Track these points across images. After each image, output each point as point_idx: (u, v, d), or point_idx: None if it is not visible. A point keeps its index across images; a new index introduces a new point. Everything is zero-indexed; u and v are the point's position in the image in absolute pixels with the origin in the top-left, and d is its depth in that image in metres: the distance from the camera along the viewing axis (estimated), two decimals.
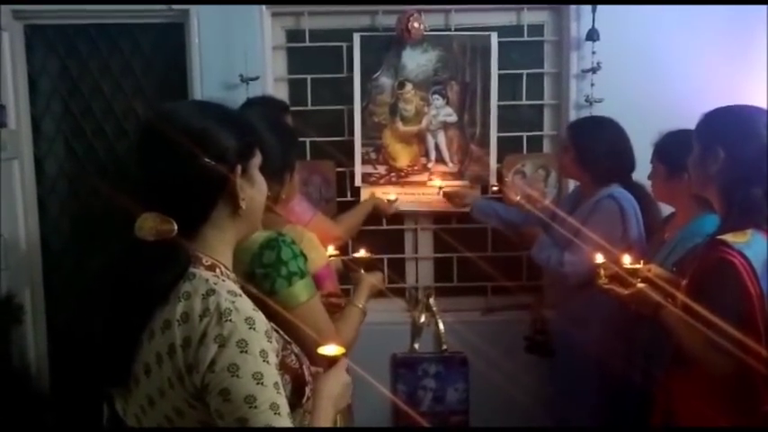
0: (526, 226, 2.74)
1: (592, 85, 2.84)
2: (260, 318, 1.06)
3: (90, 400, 1.14)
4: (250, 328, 1.03)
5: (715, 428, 1.66)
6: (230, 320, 1.02)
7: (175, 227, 1.08)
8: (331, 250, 2.08)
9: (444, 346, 2.99)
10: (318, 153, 3.01)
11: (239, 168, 1.14)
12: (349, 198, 2.97)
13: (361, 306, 1.78)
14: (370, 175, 2.95)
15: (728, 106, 1.76)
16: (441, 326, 2.98)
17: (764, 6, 2.74)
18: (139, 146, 1.14)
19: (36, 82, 3.02)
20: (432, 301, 3.01)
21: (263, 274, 1.47)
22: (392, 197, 2.89)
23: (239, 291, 1.10)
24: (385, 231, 3.06)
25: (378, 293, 1.98)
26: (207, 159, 1.10)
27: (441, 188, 2.88)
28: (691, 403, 1.69)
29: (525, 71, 3.00)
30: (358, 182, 2.95)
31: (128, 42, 3.02)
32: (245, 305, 1.06)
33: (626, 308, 1.98)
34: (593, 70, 2.82)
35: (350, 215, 2.75)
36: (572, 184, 2.92)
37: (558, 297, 2.68)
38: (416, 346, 3.00)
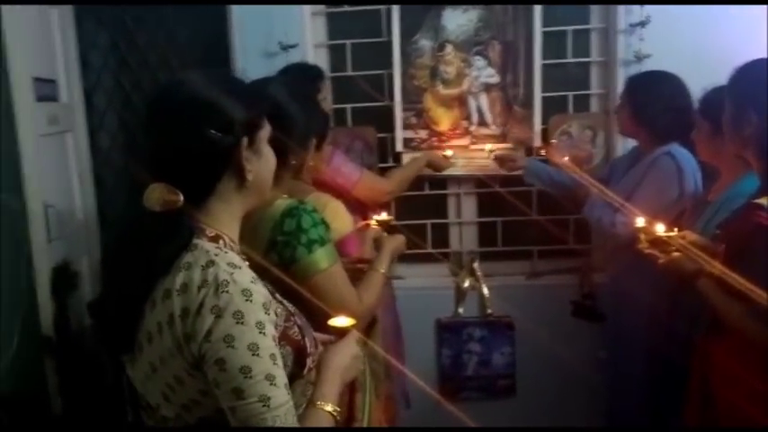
0: (580, 188, 2.67)
1: (641, 39, 2.71)
2: (258, 290, 1.07)
3: None
4: (246, 300, 1.03)
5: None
6: (227, 292, 1.03)
7: (181, 198, 1.08)
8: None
9: (489, 311, 2.97)
10: (359, 119, 3.00)
11: (245, 140, 1.14)
12: (390, 164, 2.96)
13: (382, 270, 1.74)
14: (411, 140, 2.93)
15: (760, 60, 1.65)
16: (485, 290, 2.96)
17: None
18: (148, 116, 1.15)
19: (86, 56, 3.11)
20: (476, 265, 2.99)
21: (284, 241, 1.48)
22: (448, 153, 2.83)
23: (240, 263, 1.10)
24: (428, 196, 3.05)
25: (404, 257, 1.94)
26: (212, 131, 1.10)
27: (491, 151, 2.82)
28: (727, 370, 1.64)
29: (570, 27, 2.89)
30: (399, 147, 2.93)
31: (172, 14, 3.07)
32: (243, 277, 1.06)
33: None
34: (642, 24, 2.69)
35: (401, 170, 2.72)
36: (620, 145, 2.83)
37: (607, 259, 2.62)
38: (461, 310, 2.99)
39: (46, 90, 2.73)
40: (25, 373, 2.66)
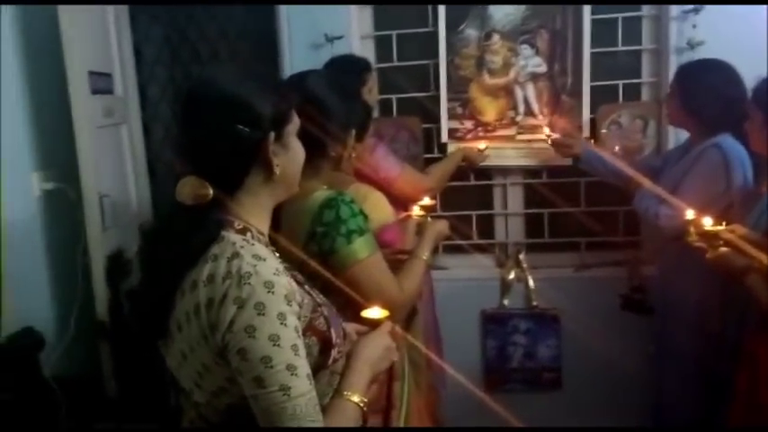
0: (632, 178, 2.61)
1: (693, 26, 2.63)
2: (281, 281, 1.08)
3: None
4: (269, 292, 1.05)
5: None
6: (249, 284, 1.05)
7: (211, 192, 1.11)
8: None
9: (535, 303, 2.95)
10: (405, 109, 3.00)
11: (272, 135, 1.15)
12: (436, 154, 2.95)
13: (424, 258, 1.72)
14: (456, 130, 2.91)
15: None
16: (531, 282, 2.93)
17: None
18: (180, 112, 1.18)
19: (141, 50, 3.19)
20: (522, 257, 2.96)
21: (323, 232, 1.49)
22: (482, 146, 2.82)
23: (266, 254, 1.12)
24: (473, 187, 3.03)
25: (449, 247, 1.92)
26: (240, 126, 1.12)
27: (549, 136, 2.76)
28: None
29: (621, 15, 2.82)
30: (444, 138, 2.92)
31: (222, 9, 3.13)
32: (267, 269, 1.08)
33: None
34: (696, 10, 2.61)
35: (439, 166, 2.72)
36: (672, 135, 2.76)
37: (656, 252, 2.56)
38: (506, 302, 2.97)
39: (101, 83, 2.82)
40: (81, 356, 2.78)
